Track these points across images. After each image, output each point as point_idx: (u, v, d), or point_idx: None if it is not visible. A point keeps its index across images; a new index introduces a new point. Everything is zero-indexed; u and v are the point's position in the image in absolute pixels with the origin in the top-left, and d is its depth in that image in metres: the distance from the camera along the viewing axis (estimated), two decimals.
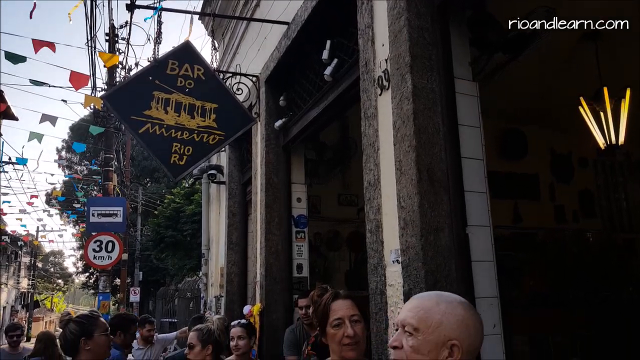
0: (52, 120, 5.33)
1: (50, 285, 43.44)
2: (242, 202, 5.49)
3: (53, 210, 21.93)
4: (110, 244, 6.28)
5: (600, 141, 4.41)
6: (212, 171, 5.70)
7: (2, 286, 25.82)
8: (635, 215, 7.02)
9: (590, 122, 4.40)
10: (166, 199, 14.62)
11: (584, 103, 4.37)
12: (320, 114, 3.53)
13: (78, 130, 19.63)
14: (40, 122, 5.23)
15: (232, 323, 3.30)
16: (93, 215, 6.41)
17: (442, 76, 2.32)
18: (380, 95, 2.47)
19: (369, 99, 2.56)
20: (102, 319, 2.41)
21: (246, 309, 4.30)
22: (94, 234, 6.77)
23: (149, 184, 21.38)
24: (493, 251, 2.24)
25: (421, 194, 2.12)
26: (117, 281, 16.14)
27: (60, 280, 46.83)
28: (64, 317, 2.39)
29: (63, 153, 22.71)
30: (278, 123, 4.11)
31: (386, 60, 2.43)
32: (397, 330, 1.14)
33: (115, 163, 8.03)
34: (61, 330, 2.38)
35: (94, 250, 6.31)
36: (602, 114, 4.35)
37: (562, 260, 5.69)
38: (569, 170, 6.55)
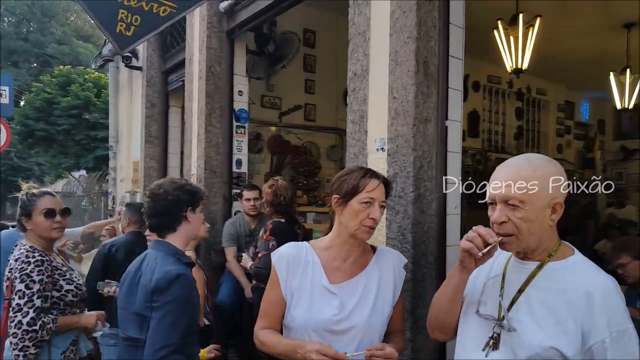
0: None
1: None
2: (163, 92, 5.05)
3: None
4: None
5: (509, 64, 4.90)
6: (127, 53, 5.05)
7: None
8: (507, 138, 8.23)
9: (503, 45, 4.84)
10: (33, 87, 12.60)
11: (501, 26, 4.76)
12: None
13: None
14: None
15: None
16: None
17: None
18: None
19: None
20: (45, 199, 2.21)
21: None
22: None
23: (2, 69, 18.02)
24: (460, 143, 2.52)
25: (417, 85, 2.24)
26: None
27: None
28: (24, 192, 2.19)
29: None
30: (224, 4, 3.76)
31: None
32: (490, 204, 1.22)
33: None
34: None
35: None
36: (512, 38, 4.80)
37: None
38: (463, 92, 7.26)
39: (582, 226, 6.93)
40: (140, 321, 1.58)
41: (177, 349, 1.51)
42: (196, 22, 4.03)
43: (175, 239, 1.73)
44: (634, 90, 5.74)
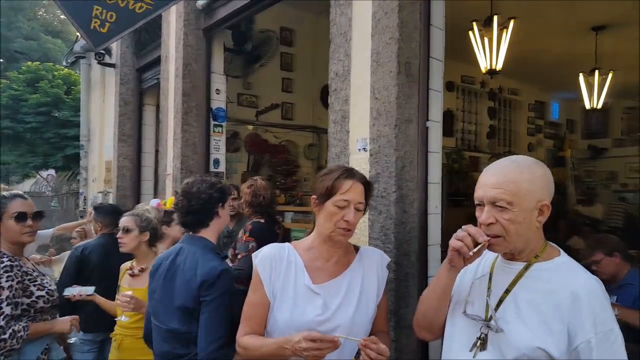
0: None
1: None
2: (136, 90, 4.92)
3: None
4: None
5: (483, 65, 4.96)
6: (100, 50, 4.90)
7: None
8: (481, 137, 8.39)
9: (477, 46, 4.90)
10: (0, 83, 12.12)
11: (475, 28, 4.82)
12: None
13: None
14: None
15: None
16: None
17: None
18: None
19: None
20: (16, 202, 2.14)
21: (154, 202, 4.07)
22: None
23: None
24: (441, 144, 2.53)
25: (399, 86, 2.24)
26: None
27: None
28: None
29: None
30: (201, 2, 3.69)
31: None
32: (478, 205, 1.22)
33: None
34: None
35: None
36: (487, 40, 4.86)
37: None
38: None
39: (554, 224, 7.13)
40: (185, 315, 1.68)
41: (228, 341, 1.60)
42: (172, 20, 3.94)
43: (208, 234, 1.86)
44: (602, 91, 5.93)
